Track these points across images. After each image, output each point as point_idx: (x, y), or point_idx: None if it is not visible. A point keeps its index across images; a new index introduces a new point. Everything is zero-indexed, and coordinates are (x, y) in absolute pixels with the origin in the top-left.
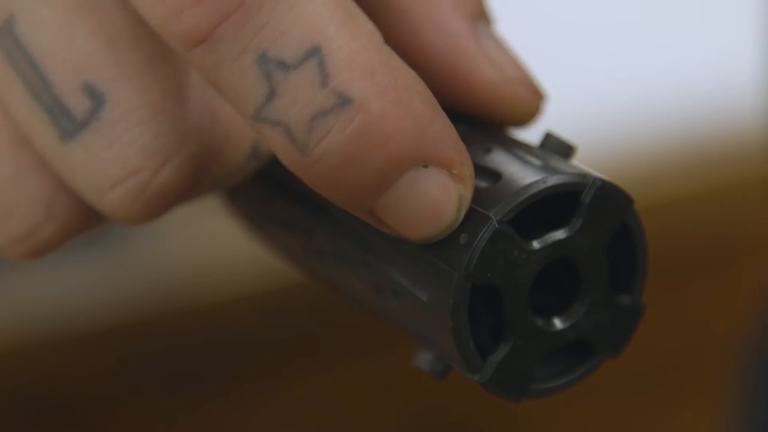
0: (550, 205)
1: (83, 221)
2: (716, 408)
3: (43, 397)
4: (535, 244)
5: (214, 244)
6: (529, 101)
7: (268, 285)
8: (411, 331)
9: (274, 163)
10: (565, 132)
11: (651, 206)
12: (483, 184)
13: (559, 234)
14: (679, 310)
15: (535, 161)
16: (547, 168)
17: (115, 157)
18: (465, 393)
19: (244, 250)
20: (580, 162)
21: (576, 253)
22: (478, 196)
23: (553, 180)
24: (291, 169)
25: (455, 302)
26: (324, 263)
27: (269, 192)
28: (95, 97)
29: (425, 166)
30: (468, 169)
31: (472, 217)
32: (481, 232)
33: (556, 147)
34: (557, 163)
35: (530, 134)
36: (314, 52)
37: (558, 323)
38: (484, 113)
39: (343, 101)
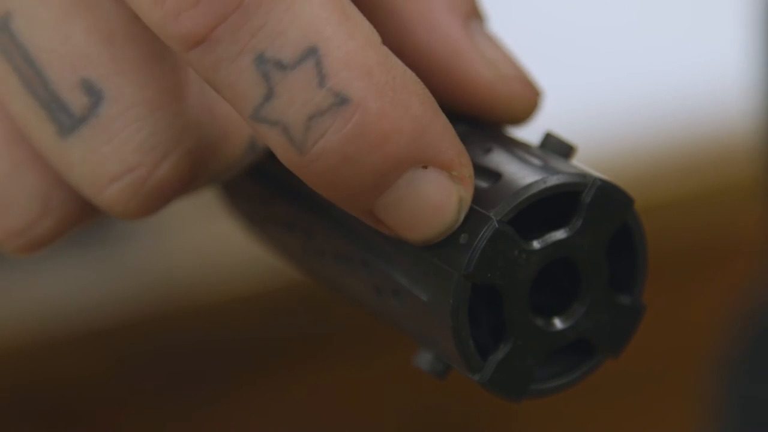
0: (550, 205)
1: (80, 215)
2: (703, 410)
3: (42, 396)
4: (535, 244)
5: (214, 244)
6: (526, 98)
7: (268, 285)
8: (411, 331)
9: (274, 162)
10: (561, 131)
11: (650, 206)
12: (483, 184)
13: (559, 234)
14: (679, 311)
15: (535, 161)
16: (547, 168)
17: (113, 153)
18: (465, 393)
19: (244, 250)
20: (580, 162)
21: (576, 253)
22: (478, 196)
23: (553, 180)
24: (289, 168)
25: (455, 302)
26: (324, 263)
27: (269, 191)
28: (93, 94)
29: (425, 167)
30: (468, 171)
31: (472, 217)
32: (481, 232)
33: (556, 147)
34: (557, 163)
35: (530, 134)
36: (311, 52)
37: (558, 323)
38: (481, 112)
39: (341, 101)
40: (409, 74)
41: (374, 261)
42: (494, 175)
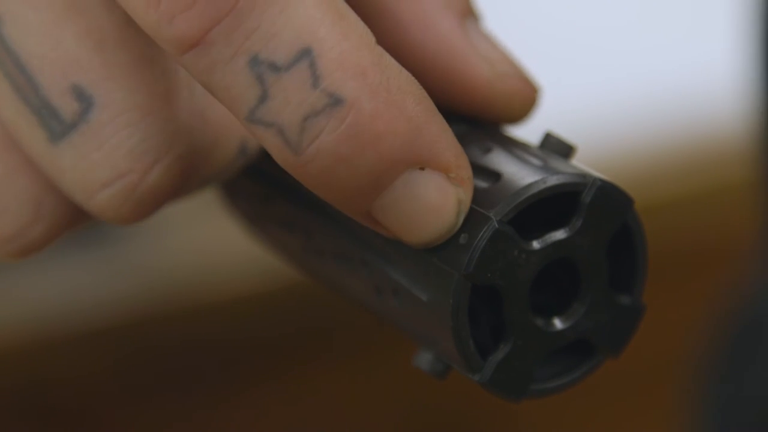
0: (550, 205)
1: (71, 220)
2: (685, 411)
3: (42, 396)
4: (535, 244)
5: (214, 244)
6: (525, 95)
7: (268, 285)
8: (411, 331)
9: (273, 162)
10: (559, 131)
11: (650, 206)
12: (483, 184)
13: (559, 234)
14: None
15: (535, 161)
16: (547, 168)
17: (103, 159)
18: (465, 393)
19: (245, 250)
20: (579, 162)
21: (576, 253)
22: (477, 196)
23: (553, 180)
24: (285, 168)
25: (455, 302)
26: (324, 263)
27: (269, 191)
28: (83, 100)
29: (422, 169)
30: (466, 172)
31: (472, 217)
32: (481, 232)
33: (556, 147)
34: (557, 163)
35: (529, 134)
36: (305, 54)
37: (558, 323)
38: (480, 111)
39: (335, 101)
40: (405, 74)
41: (374, 261)
42: (494, 175)
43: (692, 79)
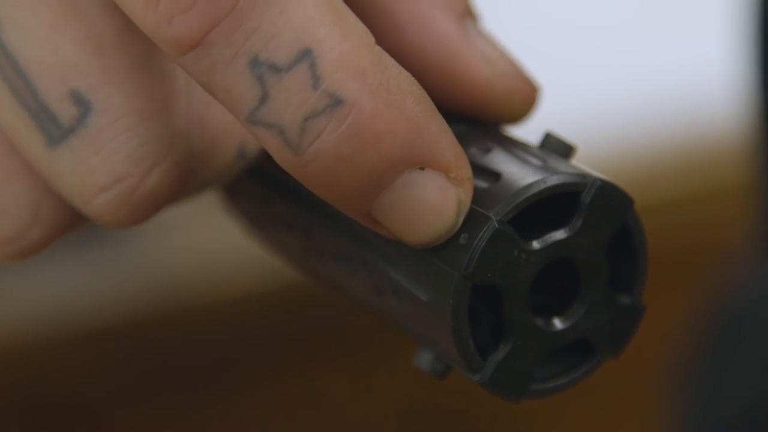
0: (550, 205)
1: (69, 223)
2: (665, 411)
3: (42, 396)
4: (535, 244)
5: (214, 244)
6: (524, 94)
7: (268, 284)
8: (411, 331)
9: (273, 163)
10: (558, 130)
11: (650, 206)
12: (482, 184)
13: (559, 234)
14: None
15: (535, 161)
16: (546, 168)
17: (101, 163)
18: (465, 393)
19: (245, 250)
20: (579, 162)
21: (576, 253)
22: (477, 196)
23: (553, 180)
24: (286, 169)
25: (455, 302)
26: (324, 263)
27: (269, 191)
28: (82, 104)
29: (422, 169)
30: (466, 172)
31: (472, 217)
32: (481, 232)
33: (556, 147)
34: (557, 163)
35: (529, 134)
36: (305, 54)
37: (558, 323)
38: (479, 111)
39: (335, 102)
40: (405, 75)
41: (374, 261)
42: (494, 175)
43: (692, 79)
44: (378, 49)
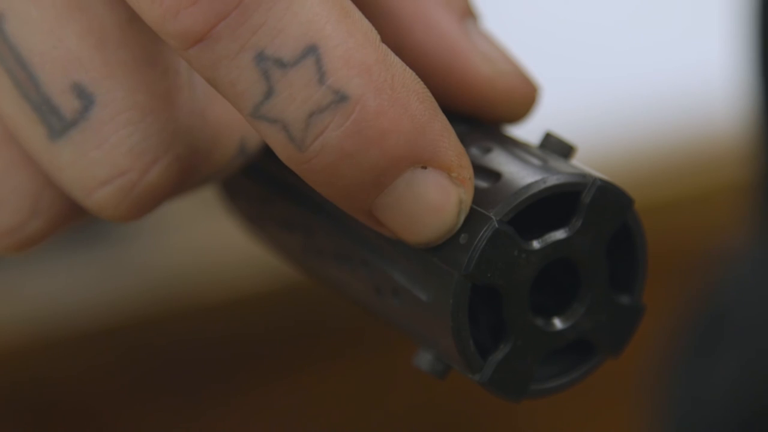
0: (550, 205)
1: (70, 216)
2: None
3: (43, 395)
4: (535, 244)
5: (216, 243)
6: (525, 93)
7: (271, 283)
8: (411, 331)
9: (274, 161)
10: (556, 130)
11: (650, 206)
12: (483, 184)
13: (559, 234)
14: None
15: (535, 161)
16: (546, 168)
17: (103, 157)
18: (465, 393)
19: (246, 249)
20: (579, 162)
21: (576, 253)
22: (477, 195)
23: (552, 180)
24: (289, 165)
25: (455, 302)
26: (323, 263)
27: (269, 191)
28: (84, 97)
29: (424, 168)
30: (468, 172)
31: (472, 217)
32: (481, 232)
33: (556, 147)
34: (557, 163)
35: (529, 134)
36: (311, 50)
37: (558, 323)
38: (481, 110)
39: (340, 98)
40: (409, 73)
41: (374, 260)
42: (494, 175)
43: (691, 78)
44: (383, 46)
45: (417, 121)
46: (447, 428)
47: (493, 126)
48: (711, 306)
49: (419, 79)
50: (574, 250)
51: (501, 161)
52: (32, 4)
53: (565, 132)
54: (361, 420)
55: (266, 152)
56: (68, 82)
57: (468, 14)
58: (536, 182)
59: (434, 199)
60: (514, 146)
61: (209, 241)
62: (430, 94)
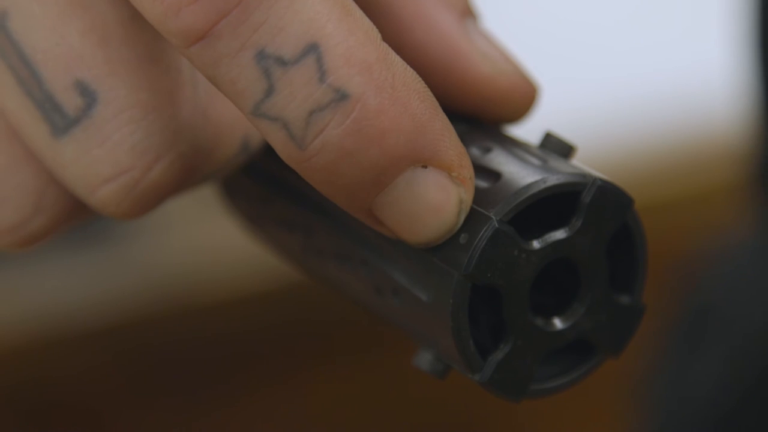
0: (550, 205)
1: (73, 212)
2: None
3: (43, 395)
4: (535, 244)
5: (216, 242)
6: (525, 92)
7: (270, 283)
8: (411, 330)
9: (274, 161)
10: (556, 130)
11: (650, 206)
12: (483, 183)
13: (559, 234)
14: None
15: (535, 161)
16: (546, 168)
17: (105, 155)
18: (465, 393)
19: (247, 249)
20: (580, 162)
21: (576, 253)
22: (477, 195)
23: (552, 180)
24: (289, 163)
25: (455, 302)
26: (323, 262)
27: (269, 191)
28: (87, 95)
29: (424, 167)
30: (468, 172)
31: (472, 217)
32: (481, 232)
33: (556, 147)
34: (557, 163)
35: (530, 134)
36: (312, 49)
37: (558, 323)
38: (480, 109)
39: (341, 96)
40: (410, 72)
41: (374, 260)
42: (494, 175)
43: (691, 78)
44: (384, 45)
45: (417, 120)
46: (447, 428)
47: (493, 126)
48: (696, 302)
49: (420, 78)
50: (574, 250)
51: (501, 161)
52: (35, 2)
53: (565, 132)
54: (360, 420)
55: (266, 151)
56: (71, 79)
57: (468, 14)
58: (536, 182)
59: (434, 199)
60: (514, 146)
61: (210, 241)
62: (430, 93)
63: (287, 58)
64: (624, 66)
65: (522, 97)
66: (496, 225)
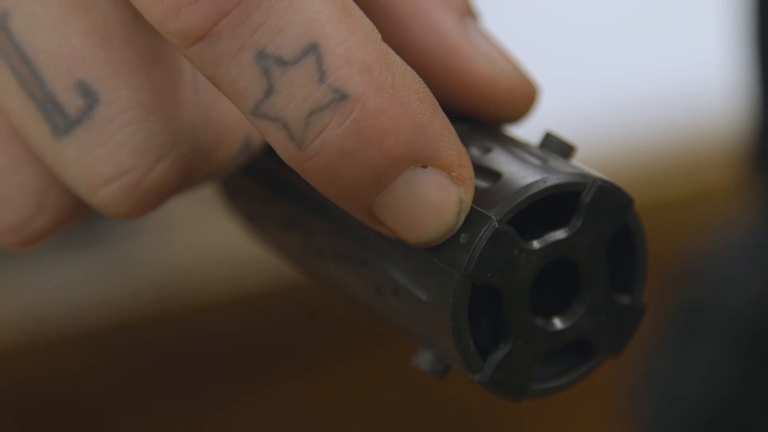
0: (550, 205)
1: (74, 213)
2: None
3: (43, 394)
4: (535, 244)
5: (217, 242)
6: (525, 92)
7: (271, 283)
8: (411, 330)
9: (274, 161)
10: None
11: (650, 206)
12: (483, 183)
13: (559, 234)
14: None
15: (535, 161)
16: (546, 168)
17: (107, 155)
18: (465, 393)
19: (247, 249)
20: (580, 162)
21: (576, 253)
22: (477, 195)
23: (552, 180)
24: (289, 164)
25: (455, 302)
26: (323, 262)
27: (269, 191)
28: (88, 96)
29: (424, 167)
30: (468, 172)
31: (472, 217)
32: (481, 232)
33: (556, 147)
34: (557, 162)
35: (530, 134)
36: (312, 49)
37: (558, 323)
38: (480, 109)
39: (341, 97)
40: (410, 72)
41: (374, 260)
42: (494, 175)
43: (690, 79)
44: (384, 45)
45: (417, 120)
46: (447, 428)
47: (493, 126)
48: (690, 298)
49: (420, 79)
50: (574, 250)
51: (501, 161)
52: (37, 2)
53: (565, 132)
54: (360, 420)
55: (267, 152)
56: (72, 80)
57: (468, 14)
58: (536, 182)
59: (434, 199)
60: (514, 146)
61: (210, 241)
62: (430, 94)
63: (287, 58)
64: (624, 66)
65: (522, 97)
66: (496, 225)
